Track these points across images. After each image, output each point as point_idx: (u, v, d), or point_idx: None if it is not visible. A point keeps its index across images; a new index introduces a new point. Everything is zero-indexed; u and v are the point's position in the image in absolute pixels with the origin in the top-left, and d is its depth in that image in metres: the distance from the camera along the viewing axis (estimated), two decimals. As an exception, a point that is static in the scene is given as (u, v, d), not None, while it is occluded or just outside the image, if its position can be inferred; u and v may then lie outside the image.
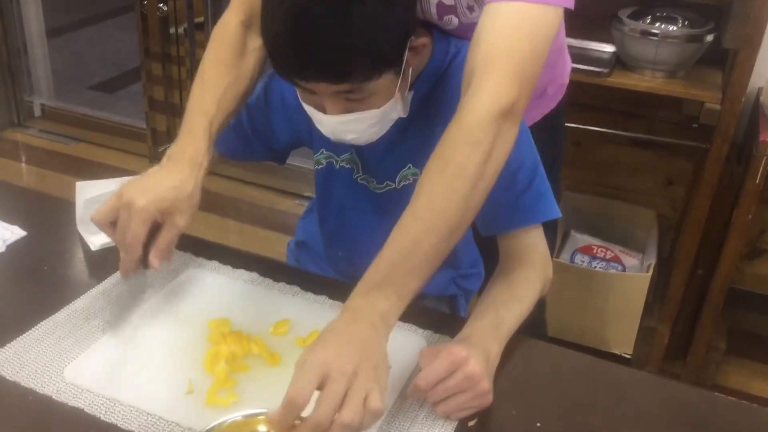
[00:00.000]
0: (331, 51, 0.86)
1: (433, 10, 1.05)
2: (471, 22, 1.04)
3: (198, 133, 1.00)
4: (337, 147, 1.13)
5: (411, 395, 0.87)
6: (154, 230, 0.95)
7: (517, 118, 0.90)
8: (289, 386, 0.75)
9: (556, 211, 1.05)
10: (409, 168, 1.10)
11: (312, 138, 1.16)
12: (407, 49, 0.93)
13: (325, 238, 1.26)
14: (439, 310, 1.24)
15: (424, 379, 0.83)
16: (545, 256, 1.06)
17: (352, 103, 0.93)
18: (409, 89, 1.01)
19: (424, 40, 0.96)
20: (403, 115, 1.00)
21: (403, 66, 0.94)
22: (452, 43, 1.06)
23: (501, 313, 0.97)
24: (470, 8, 1.04)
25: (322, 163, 1.17)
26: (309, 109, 0.98)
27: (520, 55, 0.89)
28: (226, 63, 1.06)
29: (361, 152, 1.13)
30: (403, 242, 0.86)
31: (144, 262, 0.96)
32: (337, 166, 1.15)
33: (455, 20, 1.05)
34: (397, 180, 1.12)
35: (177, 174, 0.97)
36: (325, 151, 1.15)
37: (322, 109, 0.95)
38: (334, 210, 1.21)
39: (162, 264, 0.96)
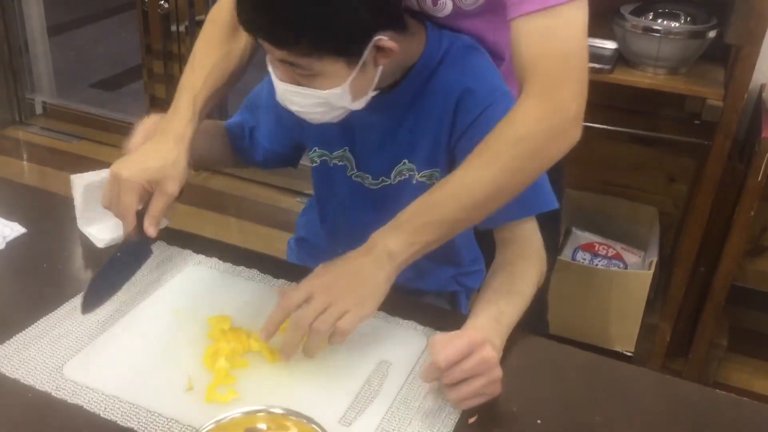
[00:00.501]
0: (279, 16, 0.88)
1: None
2: (465, 6, 1.04)
3: (182, 108, 1.06)
4: (329, 144, 1.14)
5: (426, 376, 0.87)
6: (148, 201, 1.02)
7: (575, 119, 0.93)
8: (282, 294, 0.91)
9: (553, 202, 1.06)
10: (404, 164, 1.10)
11: (302, 136, 1.16)
12: (370, 47, 0.93)
13: (327, 234, 1.26)
14: (440, 306, 1.24)
15: (444, 358, 0.84)
16: (541, 249, 1.06)
17: (298, 76, 0.95)
18: (396, 80, 1.02)
19: (391, 44, 0.94)
20: (356, 108, 1.00)
21: (362, 61, 0.93)
22: (445, 36, 1.06)
23: (502, 307, 0.97)
24: None
25: (316, 161, 1.17)
26: (271, 72, 0.99)
27: (564, 57, 0.92)
28: (216, 42, 1.09)
29: (353, 149, 1.13)
30: (428, 199, 0.94)
31: (142, 231, 1.01)
32: (331, 164, 1.15)
33: (449, 5, 1.04)
34: (392, 176, 1.12)
35: (162, 146, 1.03)
36: (318, 149, 1.16)
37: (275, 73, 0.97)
38: (333, 207, 1.21)
39: (159, 231, 1.03)
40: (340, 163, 1.15)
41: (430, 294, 1.26)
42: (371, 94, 1.00)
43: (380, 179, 1.13)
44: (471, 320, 0.94)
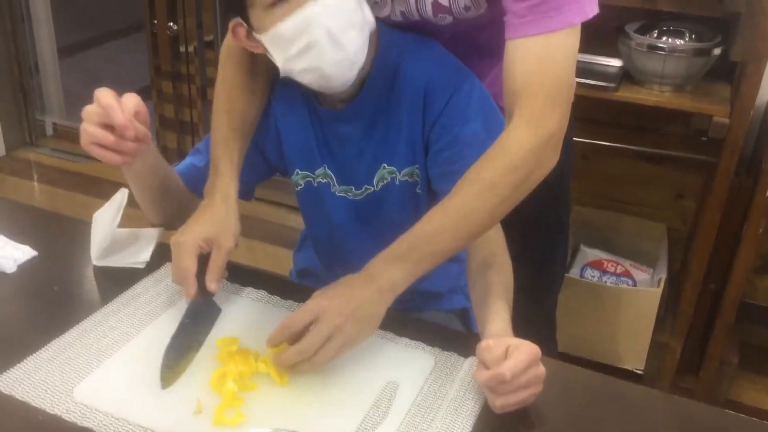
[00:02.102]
0: None
1: (429, 8, 1.06)
2: (465, 18, 1.07)
3: (222, 167, 1.08)
4: (310, 164, 1.15)
5: (485, 380, 0.88)
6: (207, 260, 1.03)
7: (558, 144, 0.98)
8: (288, 315, 0.93)
9: None
10: (384, 167, 1.12)
11: (284, 160, 1.17)
12: None
13: (322, 260, 1.27)
14: (452, 327, 1.24)
15: (510, 371, 0.85)
16: (503, 237, 1.10)
17: None
18: (356, 95, 1.06)
19: None
20: (370, 19, 1.00)
21: None
22: (397, 35, 1.08)
23: (509, 304, 1.02)
24: (467, 8, 1.06)
25: (300, 184, 1.18)
26: (294, 26, 0.95)
27: (555, 84, 0.96)
28: (238, 84, 1.10)
29: (333, 165, 1.14)
30: (427, 229, 0.97)
31: (204, 290, 1.02)
32: (315, 183, 1.17)
33: (449, 17, 1.07)
34: (375, 182, 1.14)
35: (210, 207, 1.06)
36: (299, 171, 1.17)
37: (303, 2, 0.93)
38: (324, 229, 1.22)
39: (221, 285, 1.04)
40: (324, 181, 1.16)
41: (441, 312, 1.27)
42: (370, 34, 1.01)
43: (363, 188, 1.15)
44: (489, 325, 0.97)
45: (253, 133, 1.13)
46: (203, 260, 1.03)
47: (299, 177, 1.17)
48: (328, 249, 1.24)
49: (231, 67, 1.11)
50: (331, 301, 0.92)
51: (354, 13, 0.97)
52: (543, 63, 0.95)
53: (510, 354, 0.87)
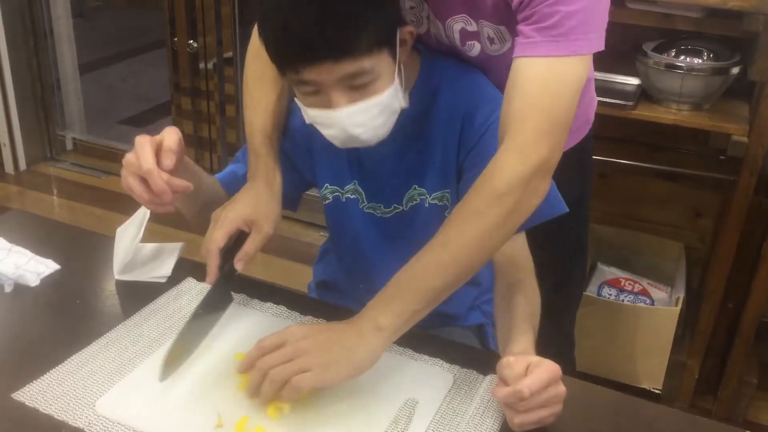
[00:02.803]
0: (333, 22, 0.90)
1: (457, 35, 1.07)
2: (492, 52, 1.06)
3: (263, 153, 1.09)
4: (340, 179, 1.16)
5: (503, 397, 0.87)
6: (240, 240, 1.04)
7: (548, 173, 0.95)
8: (262, 339, 0.92)
9: (563, 206, 1.08)
10: (415, 189, 1.13)
11: (315, 175, 1.18)
12: (398, 38, 0.98)
13: (346, 274, 1.27)
14: (469, 342, 1.24)
15: (529, 388, 0.84)
16: (532, 263, 1.10)
17: (356, 92, 0.96)
18: (405, 89, 1.04)
19: (410, 28, 1.00)
20: (405, 105, 1.03)
21: (397, 52, 0.98)
22: (439, 59, 1.09)
23: (533, 328, 1.00)
24: (491, 40, 1.06)
25: (329, 198, 1.19)
26: (315, 115, 1.00)
27: (549, 112, 0.94)
28: (269, 78, 1.11)
29: (363, 181, 1.15)
30: (413, 267, 0.95)
31: (225, 275, 1.02)
32: (344, 199, 1.17)
33: (477, 46, 1.07)
34: (404, 202, 1.14)
35: (255, 189, 1.07)
36: (329, 186, 1.18)
37: (328, 105, 0.97)
38: (349, 243, 1.22)
39: (244, 267, 1.04)
40: (352, 197, 1.17)
41: (458, 329, 1.27)
42: (406, 92, 1.04)
43: (392, 207, 1.15)
44: (513, 345, 0.96)
45: (282, 126, 1.14)
46: (239, 242, 1.04)
47: (328, 191, 1.18)
48: (352, 262, 1.25)
49: (263, 65, 1.08)
50: (304, 330, 0.93)
51: (381, 115, 0.99)
52: (542, 88, 0.94)
53: (530, 371, 0.87)
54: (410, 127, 1.08)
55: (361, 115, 0.98)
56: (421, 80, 1.08)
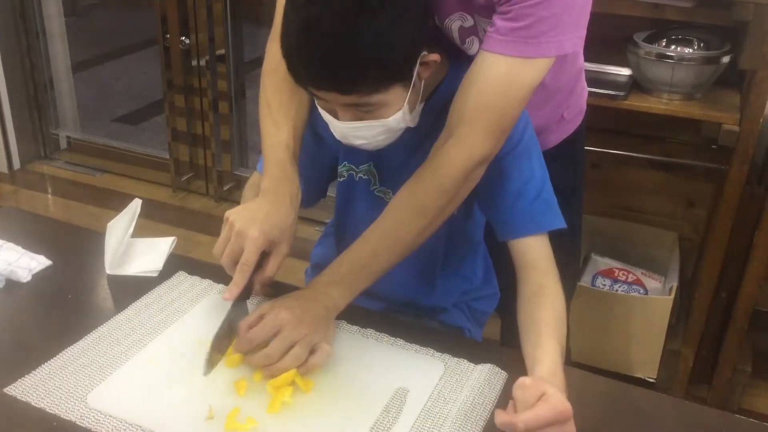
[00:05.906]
0: (340, 64, 0.90)
1: (455, 34, 1.07)
2: None
3: (288, 168, 1.07)
4: (356, 158, 1.16)
5: (500, 423, 0.82)
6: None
7: (488, 162, 1.02)
8: (252, 329, 0.95)
9: (561, 222, 1.09)
10: None
11: (339, 151, 1.19)
12: (418, 64, 0.97)
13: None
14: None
15: (525, 424, 0.79)
16: (554, 264, 1.09)
17: (362, 113, 0.98)
18: (422, 100, 1.04)
19: (435, 56, 0.99)
20: (412, 125, 1.04)
21: (413, 80, 0.97)
22: (466, 63, 1.08)
23: (560, 342, 0.97)
24: None
25: (344, 176, 1.19)
26: (323, 113, 1.02)
27: (501, 112, 0.98)
28: (286, 91, 1.10)
29: (378, 164, 1.16)
30: (363, 251, 1.04)
31: (246, 290, 1.02)
32: (357, 178, 1.18)
33: (477, 42, 1.08)
34: None
35: (281, 207, 1.05)
36: (347, 164, 1.18)
37: (335, 115, 1.00)
38: (352, 224, 1.22)
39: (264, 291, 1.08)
40: (365, 177, 1.18)
41: (436, 323, 1.26)
42: (420, 106, 1.05)
43: None
44: (539, 365, 0.92)
45: (305, 124, 1.13)
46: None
47: (344, 168, 1.19)
48: (351, 244, 1.25)
49: (280, 80, 1.08)
50: (291, 314, 0.95)
51: (383, 134, 1.01)
52: (499, 89, 0.97)
53: (537, 404, 0.81)
54: (430, 125, 1.08)
55: (365, 131, 1.00)
56: (446, 81, 1.07)
